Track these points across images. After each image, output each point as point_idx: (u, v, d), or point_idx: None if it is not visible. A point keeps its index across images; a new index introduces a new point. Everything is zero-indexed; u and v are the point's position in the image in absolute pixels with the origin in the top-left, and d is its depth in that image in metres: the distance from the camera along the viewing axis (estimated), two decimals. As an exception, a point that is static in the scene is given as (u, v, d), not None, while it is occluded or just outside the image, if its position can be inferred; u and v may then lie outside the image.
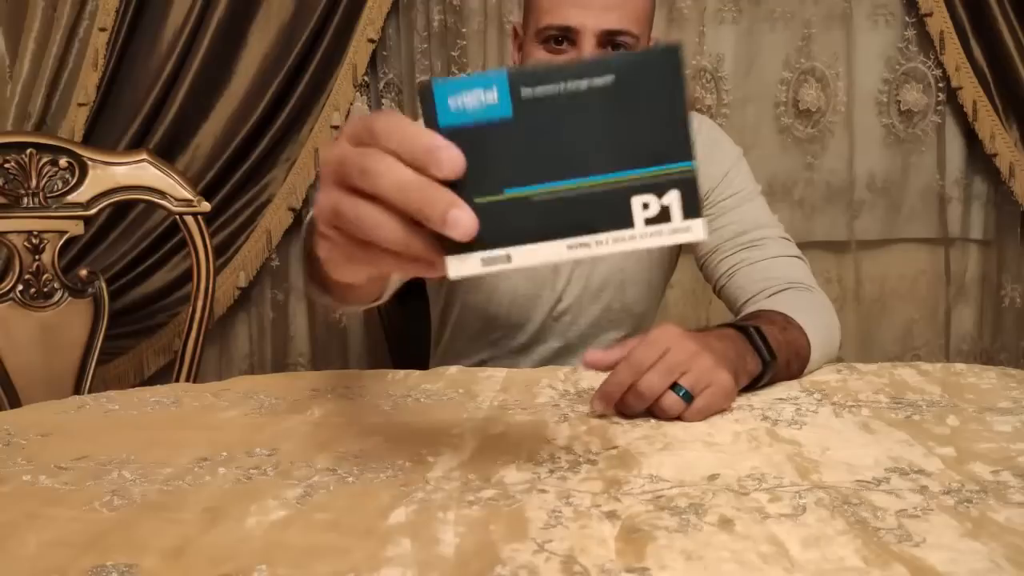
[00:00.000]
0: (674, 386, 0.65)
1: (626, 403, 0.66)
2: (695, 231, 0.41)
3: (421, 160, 0.39)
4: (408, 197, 0.39)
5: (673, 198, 0.41)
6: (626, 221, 0.41)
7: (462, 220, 0.39)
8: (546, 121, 0.40)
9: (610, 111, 0.40)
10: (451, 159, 0.39)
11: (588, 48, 0.89)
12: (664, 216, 0.41)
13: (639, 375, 0.65)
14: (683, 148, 0.40)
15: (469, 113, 0.40)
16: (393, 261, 0.41)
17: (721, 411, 0.67)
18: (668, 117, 0.40)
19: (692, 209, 0.41)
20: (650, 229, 0.41)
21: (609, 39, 0.90)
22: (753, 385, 0.73)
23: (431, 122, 0.40)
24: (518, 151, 0.40)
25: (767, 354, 0.72)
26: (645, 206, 0.41)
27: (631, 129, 0.40)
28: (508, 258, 0.41)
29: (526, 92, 0.40)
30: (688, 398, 0.64)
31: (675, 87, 0.40)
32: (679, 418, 0.65)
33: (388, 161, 0.39)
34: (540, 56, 0.92)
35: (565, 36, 0.90)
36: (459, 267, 0.41)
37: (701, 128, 1.05)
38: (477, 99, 0.40)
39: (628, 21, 0.90)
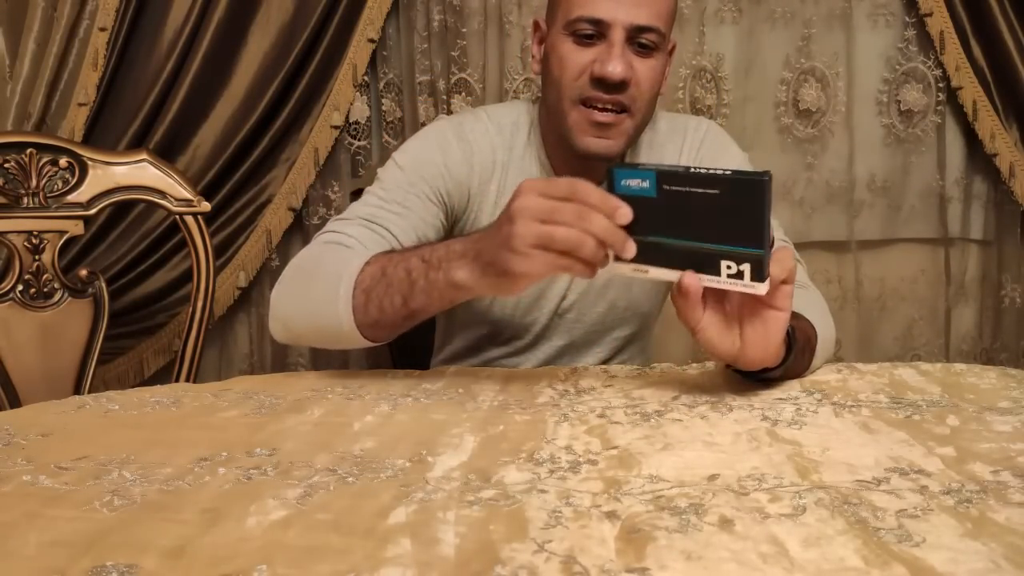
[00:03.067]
0: None
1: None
2: (758, 289, 0.65)
3: (611, 212, 0.66)
4: (606, 232, 0.66)
5: (746, 268, 0.64)
6: (716, 271, 0.66)
7: (630, 247, 0.67)
8: (677, 203, 0.65)
9: (716, 208, 0.63)
10: (625, 214, 0.66)
11: (617, 42, 0.88)
12: (739, 275, 0.65)
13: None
14: (759, 240, 0.63)
15: (633, 189, 0.66)
16: (577, 265, 0.67)
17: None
18: (751, 220, 0.63)
19: (759, 276, 0.64)
20: (729, 281, 0.65)
21: (637, 34, 0.90)
22: (770, 371, 0.73)
23: (611, 190, 0.67)
24: (658, 216, 0.66)
25: (792, 339, 0.74)
26: (728, 267, 0.65)
27: (727, 221, 0.63)
28: (646, 271, 0.68)
29: (666, 186, 0.65)
30: None
31: (760, 203, 0.62)
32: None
33: (594, 213, 0.65)
34: (566, 49, 0.91)
35: (595, 29, 0.90)
36: (618, 267, 0.68)
37: (708, 133, 1.05)
38: (638, 183, 0.66)
39: (656, 18, 0.90)
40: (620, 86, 0.89)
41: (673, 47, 0.98)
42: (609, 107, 0.90)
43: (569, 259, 0.66)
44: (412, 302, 0.78)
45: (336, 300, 0.79)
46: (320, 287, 0.82)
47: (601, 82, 0.89)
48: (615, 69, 0.88)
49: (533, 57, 1.01)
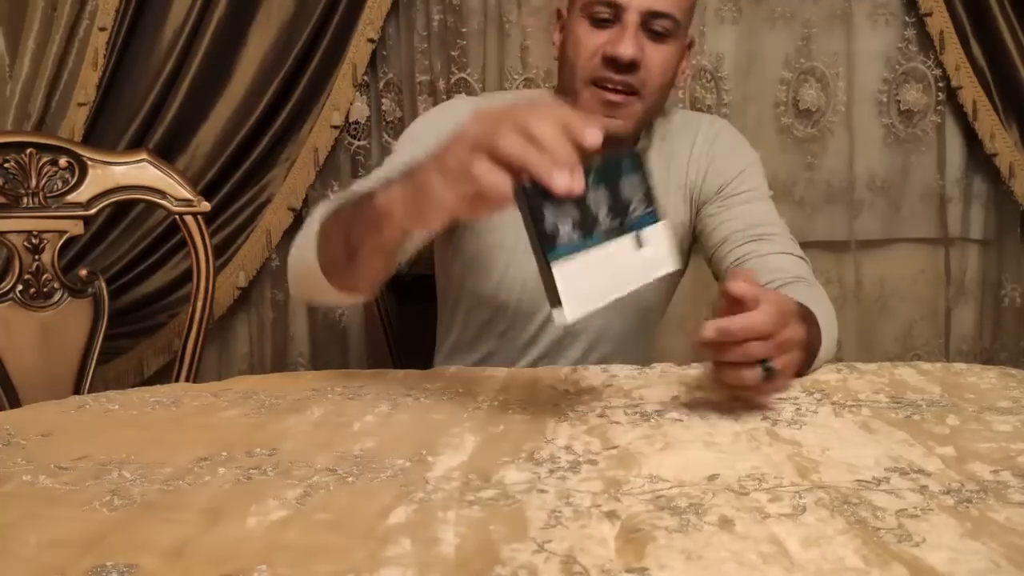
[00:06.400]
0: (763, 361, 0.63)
1: (724, 348, 0.64)
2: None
3: (574, 126, 0.57)
4: (551, 140, 0.56)
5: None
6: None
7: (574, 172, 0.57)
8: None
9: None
10: (594, 135, 0.57)
11: (630, 24, 0.90)
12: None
13: (753, 334, 0.63)
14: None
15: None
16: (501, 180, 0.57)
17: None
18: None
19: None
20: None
21: (652, 19, 0.91)
22: None
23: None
24: None
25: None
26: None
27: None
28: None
29: None
30: (770, 373, 0.64)
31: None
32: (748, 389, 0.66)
33: (541, 120, 0.57)
34: (582, 31, 0.93)
35: (611, 13, 0.91)
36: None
37: (722, 130, 1.08)
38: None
39: (673, 5, 0.92)
40: (630, 67, 0.91)
41: (691, 43, 1.01)
42: (619, 87, 0.92)
43: (499, 175, 0.56)
44: (352, 236, 0.73)
45: (309, 241, 0.80)
46: (306, 231, 0.83)
47: (612, 62, 0.91)
48: (626, 50, 0.90)
49: (553, 44, 1.03)
